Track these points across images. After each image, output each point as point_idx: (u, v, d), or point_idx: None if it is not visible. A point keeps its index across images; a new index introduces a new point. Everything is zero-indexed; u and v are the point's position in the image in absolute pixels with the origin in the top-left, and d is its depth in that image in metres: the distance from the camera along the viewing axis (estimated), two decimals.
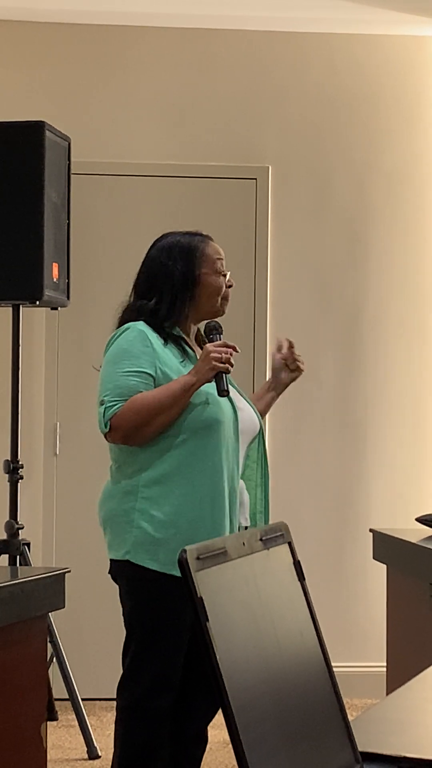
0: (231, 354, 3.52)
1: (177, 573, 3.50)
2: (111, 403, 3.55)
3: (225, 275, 3.74)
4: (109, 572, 3.66)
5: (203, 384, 3.52)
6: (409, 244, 6.42)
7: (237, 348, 3.58)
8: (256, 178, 6.34)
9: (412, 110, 6.45)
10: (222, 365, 3.49)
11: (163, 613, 3.55)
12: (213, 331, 3.67)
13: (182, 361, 3.61)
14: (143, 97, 6.29)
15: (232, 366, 3.53)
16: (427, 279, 6.43)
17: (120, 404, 3.54)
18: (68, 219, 5.21)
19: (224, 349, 3.52)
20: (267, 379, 4.14)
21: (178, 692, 3.64)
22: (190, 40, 6.31)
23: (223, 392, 3.51)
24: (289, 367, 3.95)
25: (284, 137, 6.37)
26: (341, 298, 6.39)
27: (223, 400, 3.61)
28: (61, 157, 5.16)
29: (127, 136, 6.27)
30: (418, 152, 6.44)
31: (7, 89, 6.19)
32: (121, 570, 3.61)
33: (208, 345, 3.57)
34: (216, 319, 3.79)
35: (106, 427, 3.56)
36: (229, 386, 3.66)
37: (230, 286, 3.76)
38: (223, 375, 3.52)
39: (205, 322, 3.74)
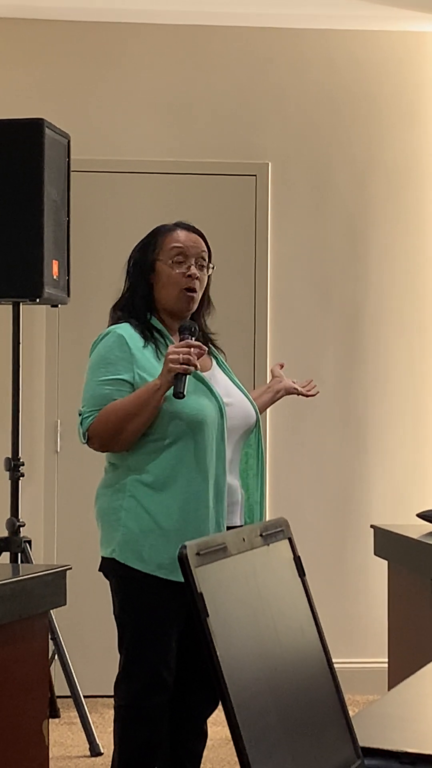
0: (191, 354, 3.43)
1: (160, 574, 3.52)
2: (87, 414, 3.56)
3: (181, 265, 3.62)
4: (99, 569, 3.67)
5: (168, 386, 3.45)
6: (409, 240, 6.42)
7: (201, 346, 3.49)
8: (255, 175, 6.34)
9: (411, 106, 6.44)
10: (178, 366, 3.41)
11: (150, 612, 3.56)
12: (184, 331, 3.57)
13: (158, 359, 3.57)
14: (143, 95, 6.29)
15: (194, 366, 3.44)
16: (427, 275, 6.43)
17: (95, 414, 3.55)
18: (68, 216, 5.21)
19: (183, 349, 3.44)
20: (268, 380, 4.13)
21: (176, 688, 3.64)
22: (189, 37, 6.31)
23: (178, 394, 3.42)
24: (294, 392, 3.97)
25: (284, 134, 6.37)
26: (341, 294, 6.39)
27: (209, 400, 3.57)
28: (60, 155, 5.16)
29: (126, 134, 6.27)
30: (418, 148, 6.44)
31: (6, 87, 6.19)
32: (109, 567, 3.63)
33: (170, 346, 3.52)
34: (210, 328, 3.78)
35: (84, 438, 3.58)
36: (222, 378, 3.65)
37: (192, 277, 3.62)
38: (183, 376, 3.43)
39: (179, 325, 3.65)
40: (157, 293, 3.67)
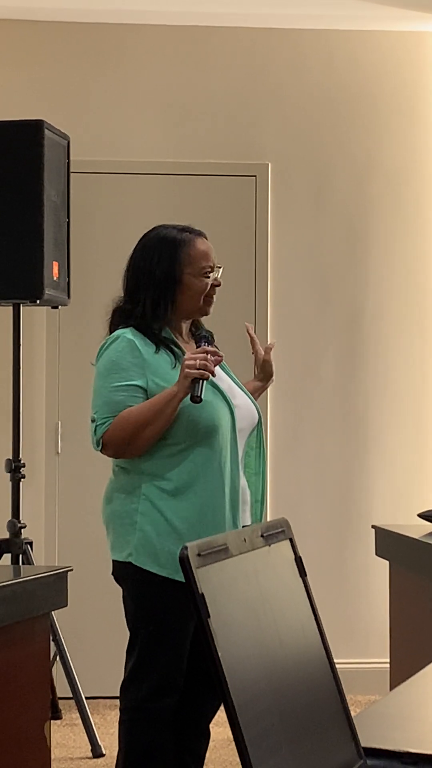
0: (208, 360, 3.46)
1: (179, 578, 3.51)
2: (101, 421, 3.56)
3: (209, 275, 3.66)
4: (112, 573, 3.66)
5: (185, 393, 3.47)
6: (409, 239, 6.42)
7: (218, 353, 3.54)
8: (255, 176, 6.34)
9: (411, 106, 6.44)
10: (195, 372, 3.43)
11: (167, 616, 3.55)
12: (201, 340, 3.63)
13: (174, 367, 3.59)
14: (142, 95, 6.29)
15: (211, 372, 3.46)
16: (427, 274, 6.43)
17: (109, 421, 3.54)
18: (68, 217, 5.21)
19: (200, 355, 3.47)
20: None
21: (182, 690, 3.64)
22: (188, 37, 6.31)
23: (195, 398, 3.44)
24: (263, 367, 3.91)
25: (283, 134, 6.37)
26: (341, 294, 6.39)
27: (221, 404, 3.59)
28: (60, 156, 5.16)
29: (126, 134, 6.27)
30: (418, 148, 6.44)
31: (6, 88, 6.19)
32: (124, 572, 3.60)
33: (187, 353, 3.54)
34: (210, 328, 3.78)
35: (98, 445, 3.57)
36: (226, 379, 3.66)
37: (217, 285, 3.70)
38: (199, 381, 3.45)
39: (196, 331, 3.70)
40: (182, 304, 3.67)
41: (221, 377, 3.71)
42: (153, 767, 3.60)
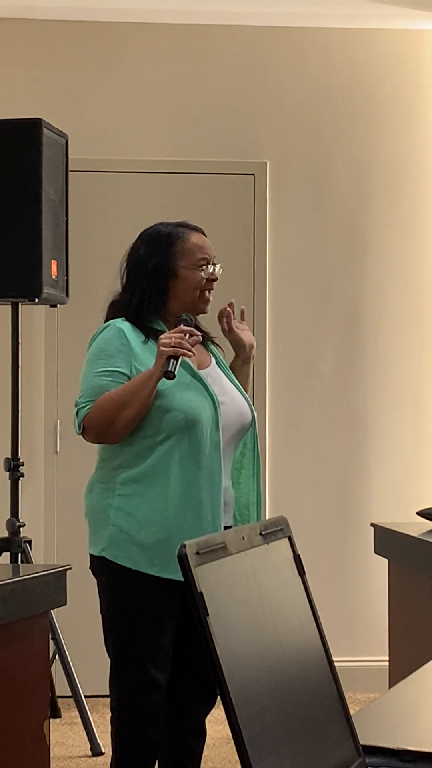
0: (184, 339, 3.44)
1: (153, 572, 3.51)
2: (83, 405, 3.57)
3: (205, 269, 3.66)
4: (89, 567, 3.67)
5: (162, 373, 3.45)
6: (407, 237, 6.42)
7: (195, 332, 3.51)
8: (254, 174, 6.34)
9: (409, 104, 6.44)
10: (169, 349, 3.43)
11: (139, 611, 3.56)
12: (180, 320, 3.59)
13: None
14: (140, 94, 6.29)
15: (187, 350, 3.43)
16: (426, 272, 6.43)
17: (90, 405, 3.55)
18: (66, 216, 5.21)
19: (177, 334, 3.46)
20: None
21: (173, 687, 3.64)
22: (187, 36, 6.30)
23: (168, 374, 3.43)
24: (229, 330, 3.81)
25: (282, 133, 6.37)
26: (340, 292, 6.39)
27: (204, 398, 3.57)
28: (58, 155, 5.16)
29: (124, 133, 6.27)
30: (416, 146, 6.44)
31: (4, 87, 6.19)
32: (98, 566, 3.63)
33: (164, 333, 3.53)
34: (207, 324, 3.76)
35: (79, 428, 3.58)
36: (217, 375, 3.65)
37: (214, 280, 3.68)
38: (174, 359, 3.44)
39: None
40: (175, 296, 3.66)
41: (213, 374, 3.70)
42: (144, 764, 3.60)
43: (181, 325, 3.55)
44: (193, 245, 3.67)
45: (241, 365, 3.87)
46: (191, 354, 3.49)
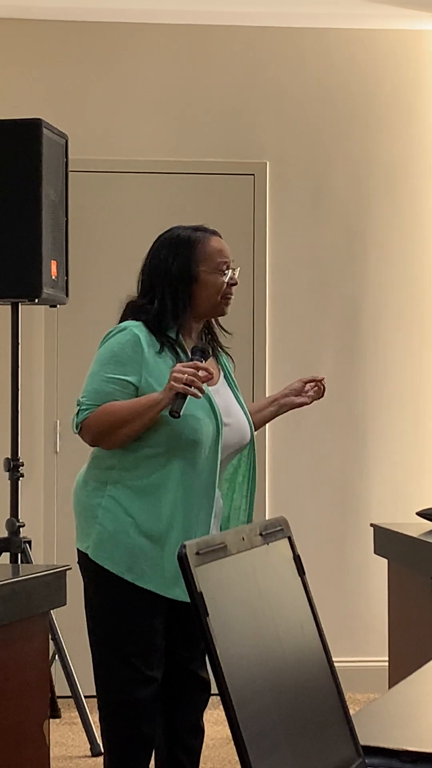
0: (197, 375, 3.40)
1: (129, 578, 3.52)
2: (85, 407, 3.56)
3: (226, 273, 3.65)
4: (77, 561, 3.68)
5: (168, 402, 3.43)
6: (407, 237, 6.42)
7: (209, 370, 3.47)
8: (253, 174, 6.34)
9: (409, 105, 6.45)
10: (179, 386, 3.39)
11: (121, 611, 3.57)
12: (196, 352, 3.56)
13: None
14: (140, 94, 6.29)
15: (198, 388, 3.40)
16: (425, 272, 6.43)
17: (92, 409, 3.54)
18: (66, 216, 5.21)
19: (190, 370, 3.41)
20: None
21: (167, 684, 3.64)
22: (187, 36, 6.30)
23: (173, 413, 3.40)
24: (304, 394, 3.85)
25: (282, 133, 6.37)
26: (340, 292, 6.39)
27: (209, 418, 3.55)
28: (58, 155, 5.16)
29: (124, 133, 6.27)
30: (416, 146, 6.44)
31: (3, 87, 6.19)
32: (83, 562, 3.64)
33: (177, 365, 3.48)
34: (206, 345, 3.76)
35: (76, 428, 3.58)
36: (225, 394, 3.64)
37: (234, 284, 3.68)
38: (182, 397, 3.41)
39: (194, 345, 3.63)
40: (199, 301, 3.64)
41: (220, 392, 3.68)
42: (135, 761, 3.60)
43: (197, 359, 3.52)
44: (214, 249, 3.66)
45: (269, 415, 3.89)
46: (200, 397, 3.45)
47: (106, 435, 3.53)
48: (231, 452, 3.68)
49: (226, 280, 3.65)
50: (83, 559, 3.63)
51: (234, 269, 3.70)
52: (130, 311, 3.68)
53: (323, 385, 3.87)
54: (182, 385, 3.39)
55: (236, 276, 3.70)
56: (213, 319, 3.76)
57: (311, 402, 3.87)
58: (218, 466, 3.59)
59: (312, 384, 3.87)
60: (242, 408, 3.74)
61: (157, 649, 3.58)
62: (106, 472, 3.60)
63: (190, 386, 3.40)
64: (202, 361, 3.50)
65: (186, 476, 3.54)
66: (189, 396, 3.42)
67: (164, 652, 3.61)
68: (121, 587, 3.54)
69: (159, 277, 3.64)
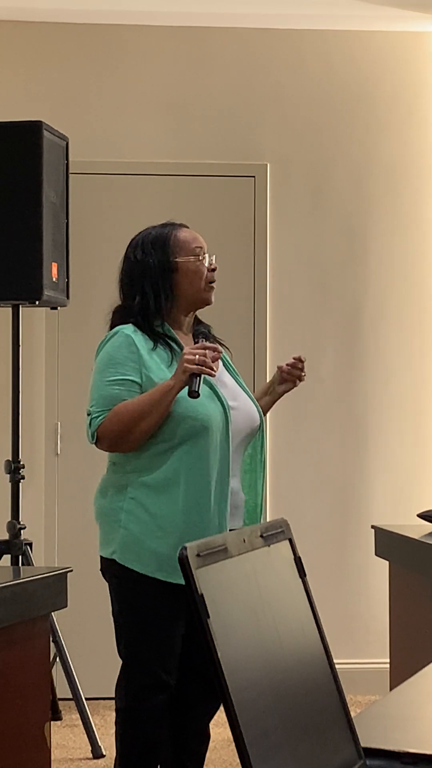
0: (206, 356, 3.45)
1: (160, 576, 3.52)
2: (96, 414, 3.57)
3: (204, 258, 3.69)
4: (100, 569, 3.68)
5: (182, 386, 3.48)
6: (408, 238, 6.42)
7: (218, 348, 3.52)
8: (254, 176, 6.34)
9: (409, 106, 6.45)
10: (194, 367, 3.44)
11: (149, 614, 3.57)
12: (199, 335, 3.64)
13: (170, 365, 3.59)
14: (141, 96, 6.29)
15: (210, 368, 3.46)
16: (426, 273, 6.43)
17: (104, 415, 3.55)
18: (67, 218, 5.22)
19: (200, 351, 3.47)
20: (268, 381, 4.11)
21: (177, 690, 3.64)
22: (187, 38, 6.31)
23: (193, 393, 3.45)
24: (286, 377, 3.90)
25: (282, 135, 6.37)
26: (341, 294, 6.39)
27: (215, 404, 3.58)
28: (59, 157, 5.16)
29: (125, 135, 6.27)
30: (416, 148, 6.44)
31: (4, 89, 6.19)
32: (109, 568, 3.64)
33: (185, 348, 3.54)
34: (208, 325, 3.78)
35: (93, 438, 3.59)
36: (228, 381, 3.65)
37: (213, 270, 3.71)
38: (197, 376, 3.46)
39: (195, 329, 3.70)
40: (183, 290, 3.67)
41: (223, 379, 3.71)
42: (148, 766, 3.60)
43: (201, 340, 3.57)
44: (186, 238, 3.71)
45: (265, 394, 3.91)
46: (214, 375, 3.50)
47: (124, 435, 3.54)
48: (243, 438, 3.67)
49: (206, 265, 3.69)
50: (108, 565, 3.62)
51: (211, 255, 3.72)
52: (118, 316, 3.72)
53: (301, 362, 3.89)
54: (196, 366, 3.43)
55: (214, 262, 3.72)
56: (209, 331, 3.77)
57: (295, 385, 3.89)
58: (230, 453, 3.60)
59: (289, 366, 3.87)
60: (246, 392, 3.77)
61: (175, 656, 3.59)
62: (125, 476, 3.60)
63: (203, 365, 3.44)
64: (206, 341, 3.57)
65: (200, 465, 3.55)
66: (203, 376, 3.46)
67: (179, 657, 3.62)
68: (149, 589, 3.54)
69: (138, 276, 3.68)
